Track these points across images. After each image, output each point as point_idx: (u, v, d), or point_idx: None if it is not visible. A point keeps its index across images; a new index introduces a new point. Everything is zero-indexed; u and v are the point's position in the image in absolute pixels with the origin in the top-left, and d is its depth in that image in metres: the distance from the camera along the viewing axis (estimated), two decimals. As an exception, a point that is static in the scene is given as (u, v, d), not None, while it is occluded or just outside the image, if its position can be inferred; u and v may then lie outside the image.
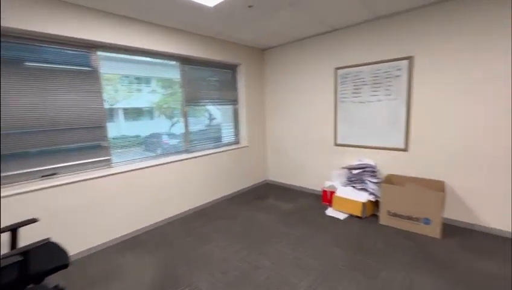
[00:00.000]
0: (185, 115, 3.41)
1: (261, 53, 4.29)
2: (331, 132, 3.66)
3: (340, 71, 3.46)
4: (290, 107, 4.11)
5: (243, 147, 4.13)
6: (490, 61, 2.41)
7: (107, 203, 2.61)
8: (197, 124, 3.64)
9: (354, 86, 3.35)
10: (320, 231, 2.76)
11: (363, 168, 3.18)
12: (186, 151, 3.46)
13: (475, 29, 2.45)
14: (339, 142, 3.59)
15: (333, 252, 2.37)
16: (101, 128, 2.61)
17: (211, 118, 3.92)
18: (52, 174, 2.35)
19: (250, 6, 2.53)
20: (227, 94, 4.00)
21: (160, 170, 3.05)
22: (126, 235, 2.78)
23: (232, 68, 4.02)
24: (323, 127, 3.73)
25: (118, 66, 2.85)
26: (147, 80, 3.17)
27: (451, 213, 2.78)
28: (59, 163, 2.39)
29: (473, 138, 2.58)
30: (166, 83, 3.28)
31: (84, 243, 2.48)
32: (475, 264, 2.11)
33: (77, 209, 2.42)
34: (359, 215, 2.98)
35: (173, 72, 3.28)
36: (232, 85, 4.06)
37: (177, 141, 3.42)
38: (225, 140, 4.04)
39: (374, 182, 3.04)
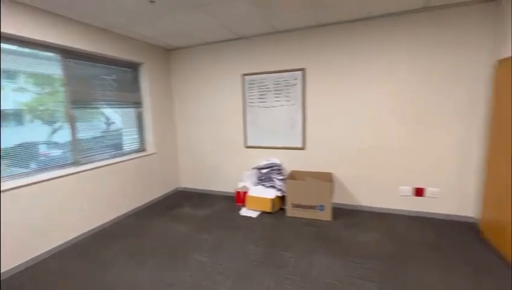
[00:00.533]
0: (71, 120, 2.82)
1: (167, 53, 4.05)
2: (241, 135, 3.83)
3: (247, 77, 3.67)
4: (201, 111, 4.05)
5: (150, 154, 3.77)
6: (363, 73, 3.11)
7: None
8: (90, 130, 3.07)
9: (260, 92, 3.62)
10: (236, 232, 2.84)
11: (271, 167, 3.48)
12: (76, 163, 2.87)
13: (353, 46, 3.10)
14: (249, 144, 3.80)
15: (248, 250, 2.48)
16: None
17: (109, 123, 3.40)
18: None
19: (152, 2, 2.34)
20: (128, 96, 3.56)
21: (38, 189, 2.40)
22: (-19, 283, 2.04)
23: (133, 67, 3.61)
24: (234, 131, 3.86)
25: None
26: (10, 75, 2.43)
27: (339, 198, 3.41)
28: None
29: (350, 137, 3.24)
30: (41, 80, 2.61)
31: None
32: (356, 237, 2.66)
33: None
34: (269, 211, 3.24)
35: (52, 67, 2.66)
36: (134, 86, 3.65)
37: (62, 151, 2.79)
38: (128, 148, 3.58)
39: (280, 179, 3.37)
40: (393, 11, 2.79)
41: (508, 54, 2.31)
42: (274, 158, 3.64)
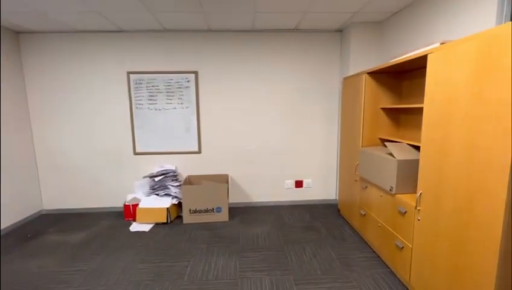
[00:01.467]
0: None
1: (14, 35, 3.09)
2: (128, 140, 3.39)
3: (133, 76, 3.28)
4: (74, 112, 3.31)
5: (-10, 170, 2.78)
6: (251, 81, 3.35)
7: None
8: None
9: (149, 93, 3.32)
10: (124, 252, 2.48)
11: (165, 174, 3.25)
12: None
13: (242, 54, 3.30)
14: (138, 150, 3.42)
15: (138, 270, 2.21)
16: None
17: None
18: None
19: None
20: None
21: None
22: None
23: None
24: (120, 136, 3.38)
25: None
26: None
27: (235, 198, 3.58)
28: None
29: (242, 138, 3.46)
30: None
31: None
32: (248, 232, 2.85)
33: None
34: (165, 221, 3.02)
35: None
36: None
37: None
38: None
39: (175, 186, 3.20)
40: (274, 28, 3.18)
41: (349, 74, 3.07)
42: (168, 164, 3.43)
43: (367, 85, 2.52)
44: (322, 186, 3.63)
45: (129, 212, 3.19)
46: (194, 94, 3.35)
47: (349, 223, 3.02)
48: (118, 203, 3.48)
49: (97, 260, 2.37)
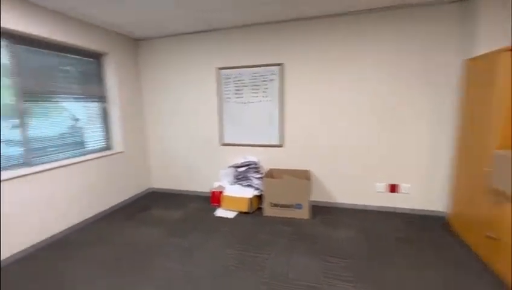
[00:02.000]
0: (22, 114, 2.48)
1: (134, 43, 3.74)
2: (216, 132, 3.66)
3: (222, 71, 3.49)
4: (173, 106, 3.81)
5: (117, 153, 3.48)
6: (342, 72, 3.07)
7: None
8: (47, 126, 2.73)
9: (236, 87, 3.47)
10: (211, 235, 2.69)
11: (248, 165, 3.36)
12: (27, 164, 2.53)
13: (333, 43, 3.05)
14: (225, 141, 3.64)
15: (224, 254, 2.35)
16: None
17: (69, 118, 3.06)
18: None
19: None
20: (92, 89, 3.23)
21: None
22: None
23: (96, 57, 3.28)
24: (209, 127, 3.68)
25: None
26: None
27: (317, 196, 3.38)
28: None
29: (328, 134, 3.21)
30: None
31: None
32: (332, 235, 2.64)
33: None
34: (247, 211, 3.13)
35: (-7, 54, 2.30)
36: (98, 78, 3.32)
37: (15, 149, 2.44)
38: (91, 146, 3.27)
39: (257, 178, 3.26)
40: (374, 7, 2.76)
41: (477, 53, 2.38)
42: (251, 156, 3.52)
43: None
44: (423, 194, 3.02)
45: (215, 198, 3.45)
46: (278, 87, 3.30)
47: (466, 244, 2.39)
48: (205, 188, 3.82)
49: (189, 238, 2.64)
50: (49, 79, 2.73)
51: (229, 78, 3.48)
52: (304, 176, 3.24)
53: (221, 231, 2.78)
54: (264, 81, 3.34)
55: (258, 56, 3.31)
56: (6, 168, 2.36)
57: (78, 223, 2.92)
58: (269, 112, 3.39)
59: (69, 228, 2.82)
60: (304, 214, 2.98)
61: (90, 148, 3.25)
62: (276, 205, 3.05)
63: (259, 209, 3.25)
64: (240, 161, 3.49)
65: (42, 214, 2.56)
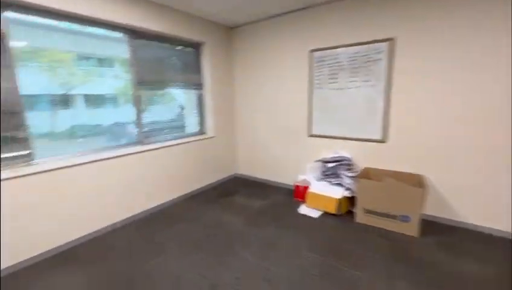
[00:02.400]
0: (137, 100, 2.87)
1: (228, 31, 3.80)
2: (305, 122, 3.34)
3: (316, 54, 3.11)
4: (261, 94, 3.71)
5: (209, 137, 3.68)
6: (483, 47, 2.20)
7: (29, 209, 2.06)
8: (155, 111, 3.11)
9: (331, 70, 3.03)
10: (292, 232, 2.46)
11: (339, 161, 2.92)
12: (141, 143, 2.94)
13: (468, 9, 2.21)
14: (313, 132, 3.29)
15: (305, 257, 2.08)
16: (14, 115, 2.02)
17: (173, 104, 3.42)
18: None
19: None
20: (191, 78, 3.49)
21: (106, 164, 2.53)
22: (56, 248, 2.25)
23: (195, 47, 3.49)
24: (297, 116, 3.40)
25: (41, 35, 2.23)
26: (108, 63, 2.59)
27: (431, 209, 2.63)
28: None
29: (453, 130, 2.39)
30: (107, 62, 2.71)
31: (-4, 262, 1.94)
32: (455, 265, 1.95)
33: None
34: (334, 212, 2.73)
35: (119, 48, 2.70)
36: (196, 67, 3.55)
37: (133, 130, 2.90)
38: (188, 130, 3.57)
39: (349, 176, 2.79)
40: None
41: None
42: (343, 151, 3.05)
43: None
44: None
45: (299, 192, 3.19)
46: (385, 68, 2.67)
47: None
48: (289, 181, 3.61)
49: (269, 230, 2.50)
50: (156, 69, 3.06)
51: (323, 61, 3.07)
52: (413, 181, 2.55)
53: (303, 229, 2.51)
54: (368, 61, 2.76)
55: (361, 32, 2.74)
56: (123, 146, 2.80)
57: (171, 200, 3.25)
58: (370, 100, 2.81)
59: (163, 203, 3.17)
60: (411, 229, 2.34)
61: (188, 132, 3.55)
62: (371, 212, 2.53)
63: (349, 212, 2.79)
64: (330, 155, 3.08)
65: (149, 188, 2.95)
